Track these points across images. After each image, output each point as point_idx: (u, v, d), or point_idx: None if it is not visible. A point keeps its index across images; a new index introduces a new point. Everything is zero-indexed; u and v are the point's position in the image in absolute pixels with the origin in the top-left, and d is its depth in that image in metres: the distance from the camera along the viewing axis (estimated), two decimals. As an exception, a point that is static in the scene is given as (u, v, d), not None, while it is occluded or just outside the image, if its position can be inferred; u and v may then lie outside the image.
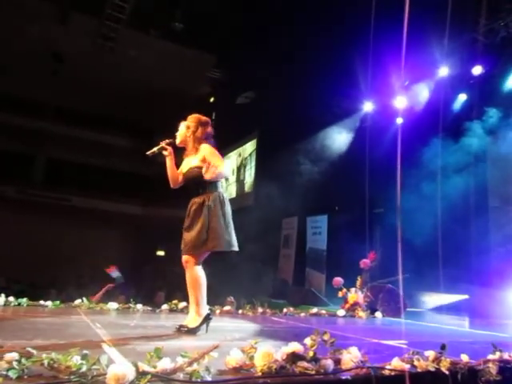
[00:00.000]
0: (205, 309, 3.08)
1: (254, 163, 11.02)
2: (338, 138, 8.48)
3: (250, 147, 11.36)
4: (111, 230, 11.72)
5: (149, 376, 1.74)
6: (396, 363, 2.12)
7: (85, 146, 11.38)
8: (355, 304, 5.26)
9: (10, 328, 2.75)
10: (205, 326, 3.05)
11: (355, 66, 6.57)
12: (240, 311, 4.78)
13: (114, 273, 5.69)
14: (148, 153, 3.26)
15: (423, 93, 7.46)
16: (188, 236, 3.07)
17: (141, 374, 1.73)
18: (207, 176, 3.00)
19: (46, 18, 8.15)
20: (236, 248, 3.14)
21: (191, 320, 3.05)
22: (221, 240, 3.03)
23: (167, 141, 3.26)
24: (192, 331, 2.97)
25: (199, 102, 10.70)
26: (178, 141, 3.27)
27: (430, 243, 5.42)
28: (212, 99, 11.35)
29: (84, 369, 1.72)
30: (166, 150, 3.23)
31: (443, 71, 7.17)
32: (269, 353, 2.03)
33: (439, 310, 6.33)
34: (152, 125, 11.66)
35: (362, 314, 5.09)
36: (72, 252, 10.38)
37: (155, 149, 3.23)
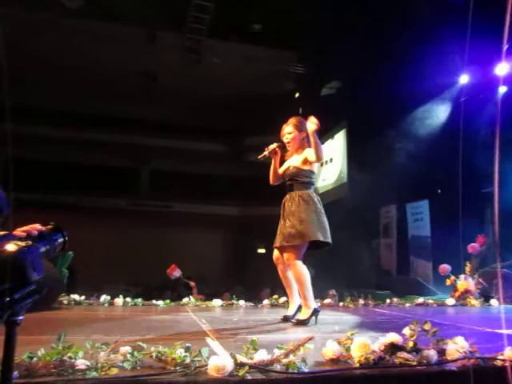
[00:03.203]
0: (313, 301, 3.20)
1: (345, 154, 10.78)
2: (434, 117, 7.96)
3: (339, 138, 11.14)
4: (213, 232, 12.32)
5: (247, 367, 1.82)
6: (509, 353, 1.94)
7: (183, 155, 12.10)
8: (466, 292, 4.89)
9: (127, 325, 3.05)
10: (314, 318, 3.16)
11: (446, 36, 6.10)
12: (341, 304, 4.74)
13: (177, 272, 5.99)
14: (259, 156, 3.46)
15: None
16: (285, 229, 3.21)
17: (239, 366, 1.82)
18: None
19: (136, 39, 8.80)
20: (329, 240, 3.25)
21: (301, 312, 3.18)
22: (316, 231, 3.16)
23: (277, 144, 3.44)
24: (302, 323, 3.12)
25: (285, 99, 10.75)
26: (289, 144, 3.43)
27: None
28: (297, 94, 11.32)
29: (187, 360, 1.85)
30: (276, 153, 3.44)
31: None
32: (365, 343, 1.99)
33: None
34: (242, 128, 12.02)
35: (474, 302, 4.73)
36: (180, 255, 11.10)
37: (266, 152, 3.42)
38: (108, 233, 10.55)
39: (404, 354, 1.97)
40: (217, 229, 12.46)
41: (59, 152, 11.01)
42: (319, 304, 4.49)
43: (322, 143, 12.28)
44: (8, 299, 1.03)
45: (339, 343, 2.06)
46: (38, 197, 9.73)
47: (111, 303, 4.07)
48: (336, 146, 11.22)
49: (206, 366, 1.80)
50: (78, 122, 10.68)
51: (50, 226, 1.15)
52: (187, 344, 1.93)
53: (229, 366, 1.79)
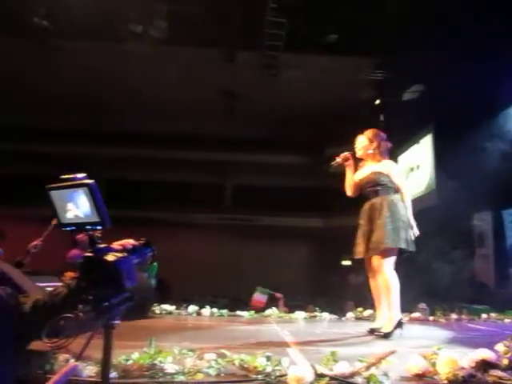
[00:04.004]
0: (398, 313, 3.09)
1: (433, 158, 10.25)
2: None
3: (426, 142, 10.64)
4: (296, 244, 12.35)
5: (327, 378, 1.83)
6: None
7: (264, 169, 12.34)
8: None
9: (212, 334, 3.19)
10: (398, 331, 3.04)
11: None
12: (431, 318, 4.50)
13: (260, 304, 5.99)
14: (332, 163, 3.48)
15: None
16: (371, 237, 3.15)
17: (319, 376, 1.83)
18: (406, 201, 3.24)
19: (215, 60, 9.24)
20: (413, 248, 3.16)
21: (385, 325, 3.08)
22: (399, 239, 3.08)
23: (348, 153, 3.44)
24: (386, 335, 3.02)
25: (364, 107, 10.54)
26: (359, 153, 3.44)
27: None
28: (377, 101, 11.04)
29: (268, 369, 1.91)
30: (348, 160, 3.41)
31: None
32: (453, 359, 1.90)
33: None
34: (321, 139, 11.98)
35: None
36: (264, 267, 11.26)
37: (339, 159, 3.43)
38: (195, 246, 11.06)
39: (498, 372, 1.85)
40: (300, 241, 12.47)
41: (149, 171, 11.81)
42: (406, 317, 4.32)
43: (406, 149, 11.72)
44: (107, 304, 1.16)
45: (425, 358, 1.98)
46: (130, 213, 10.49)
47: (199, 313, 4.27)
48: (422, 151, 10.73)
49: (286, 375, 1.85)
50: (165, 142, 11.40)
51: (141, 241, 1.28)
52: (268, 353, 1.98)
53: (308, 376, 1.81)
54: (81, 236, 4.30)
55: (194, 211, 12.05)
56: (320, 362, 1.96)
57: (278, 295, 6.41)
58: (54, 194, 1.17)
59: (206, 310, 4.29)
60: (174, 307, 4.26)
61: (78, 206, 1.14)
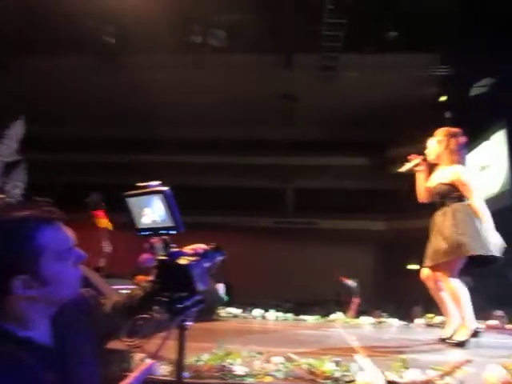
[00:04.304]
0: (472, 321, 2.93)
1: (507, 155, 9.61)
2: None
3: (497, 139, 9.99)
4: (360, 248, 12.07)
5: (398, 386, 1.78)
6: None
7: (324, 172, 12.22)
8: None
9: (278, 338, 3.20)
10: (473, 340, 2.90)
11: None
12: (509, 326, 4.21)
13: (350, 282, 5.75)
14: (402, 169, 3.34)
15: None
16: (437, 245, 3.02)
17: (389, 383, 1.79)
18: (478, 207, 3.02)
19: (275, 65, 9.31)
20: (495, 253, 2.93)
21: (458, 333, 2.95)
22: (474, 244, 2.89)
23: (420, 157, 3.30)
24: (460, 344, 2.88)
25: (428, 105, 10.13)
26: (430, 158, 3.28)
27: None
28: (442, 98, 10.55)
29: (337, 374, 1.89)
30: (419, 165, 3.29)
31: None
32: (537, 370, 1.78)
33: None
34: (383, 139, 11.67)
35: None
36: (327, 272, 11.14)
37: (410, 165, 3.29)
38: (258, 251, 11.16)
39: None
40: (364, 244, 12.18)
41: (212, 176, 12.11)
42: (482, 325, 4.08)
43: (475, 147, 11.11)
44: (180, 306, 1.22)
45: (505, 368, 1.87)
46: (194, 218, 10.82)
47: (264, 317, 4.30)
48: (494, 148, 10.08)
49: (355, 381, 1.82)
50: (227, 148, 11.65)
51: (212, 246, 1.32)
52: (336, 358, 1.97)
53: (378, 383, 1.77)
54: (152, 240, 4.51)
55: (255, 215, 12.19)
56: (390, 368, 1.91)
57: (356, 300, 6.18)
58: (131, 201, 1.24)
59: (271, 314, 4.32)
60: (239, 310, 4.33)
61: (153, 212, 1.20)
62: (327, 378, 1.88)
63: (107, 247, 3.53)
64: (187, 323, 1.26)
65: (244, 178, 12.33)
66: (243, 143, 11.56)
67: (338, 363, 1.97)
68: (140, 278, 4.40)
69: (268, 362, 1.98)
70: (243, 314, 4.33)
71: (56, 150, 10.91)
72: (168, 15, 7.32)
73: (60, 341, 1.18)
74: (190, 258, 1.23)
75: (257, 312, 4.32)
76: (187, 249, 1.31)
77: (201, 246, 1.33)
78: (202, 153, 11.49)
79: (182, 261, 1.21)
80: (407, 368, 1.86)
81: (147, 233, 1.25)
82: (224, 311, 4.27)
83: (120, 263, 3.97)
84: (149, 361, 1.11)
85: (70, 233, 1.15)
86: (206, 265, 1.29)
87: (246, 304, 5.18)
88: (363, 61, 9.52)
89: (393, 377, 1.82)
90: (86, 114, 10.00)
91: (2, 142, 2.34)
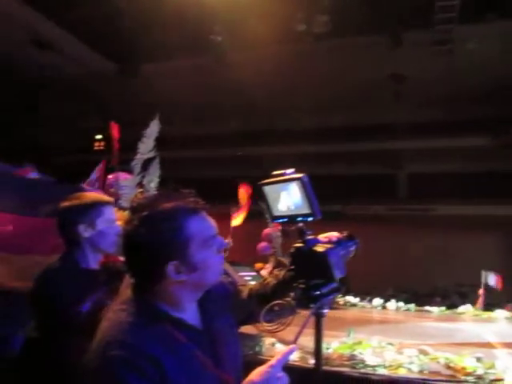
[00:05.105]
0: None
1: None
2: None
3: None
4: (484, 235, 11.02)
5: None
6: None
7: (439, 155, 11.38)
8: None
9: (402, 329, 3.07)
10: None
11: None
12: None
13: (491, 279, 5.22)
14: None
15: None
16: None
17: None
18: None
19: (383, 46, 8.86)
20: None
21: None
22: None
23: None
24: None
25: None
26: None
27: None
28: None
29: (480, 372, 1.75)
30: None
31: None
32: None
33: None
34: (505, 117, 10.48)
35: None
36: (444, 261, 10.42)
37: None
38: (371, 239, 10.70)
39: None
40: (490, 231, 11.08)
41: (326, 165, 11.93)
42: None
43: None
44: (317, 293, 1.22)
45: None
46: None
47: (384, 307, 4.15)
48: None
49: (503, 380, 1.66)
50: (335, 136, 11.42)
51: (345, 234, 1.30)
52: (478, 354, 1.82)
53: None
54: (269, 230, 4.64)
55: (366, 203, 11.85)
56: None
57: (481, 291, 5.64)
58: (267, 189, 1.27)
59: (392, 304, 4.15)
60: (357, 299, 4.23)
61: (289, 199, 1.22)
62: (468, 374, 1.75)
63: (230, 242, 3.71)
64: (324, 311, 1.26)
65: (357, 165, 12.04)
66: (352, 129, 11.24)
67: (479, 359, 1.82)
68: (258, 265, 4.55)
69: (400, 353, 1.91)
70: (361, 304, 4.23)
71: (180, 148, 11.56)
72: (269, 6, 7.37)
73: (206, 323, 1.26)
74: (327, 246, 1.22)
75: (377, 302, 4.18)
76: (321, 237, 1.30)
77: (334, 234, 1.32)
78: (313, 142, 11.39)
79: (319, 248, 1.21)
80: None
81: (283, 220, 1.27)
82: (342, 300, 4.21)
83: (239, 252, 4.14)
84: (292, 345, 1.13)
85: (212, 222, 1.22)
86: (341, 253, 1.27)
87: (361, 293, 5.04)
88: (482, 31, 8.63)
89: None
90: (214, 112, 10.43)
91: (142, 140, 2.60)
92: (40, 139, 11.96)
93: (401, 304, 4.15)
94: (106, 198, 1.99)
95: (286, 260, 4.85)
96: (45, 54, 7.94)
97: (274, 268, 4.44)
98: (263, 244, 4.76)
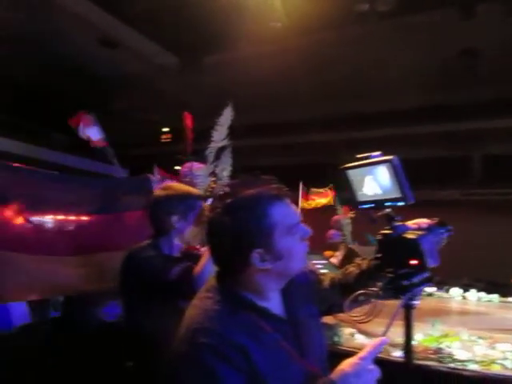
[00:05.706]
0: None
1: None
2: None
3: None
4: None
5: None
6: None
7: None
8: None
9: (487, 321, 2.89)
10: None
11: None
12: None
13: None
14: None
15: None
16: None
17: None
18: None
19: (451, 20, 8.30)
20: None
21: None
22: None
23: None
24: None
25: None
26: None
27: None
28: None
29: None
30: None
31: None
32: None
33: None
34: None
35: None
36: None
37: None
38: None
39: None
40: None
41: (388, 147, 11.49)
42: None
43: None
44: (407, 283, 1.14)
45: None
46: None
47: (464, 297, 3.94)
48: None
49: None
50: (407, 118, 10.88)
51: (435, 220, 1.21)
52: None
53: None
54: (338, 217, 4.55)
55: (438, 188, 11.29)
56: None
57: None
58: (351, 173, 1.20)
59: (472, 294, 3.92)
60: (434, 289, 4.04)
61: (377, 184, 1.15)
62: None
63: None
64: (414, 302, 1.19)
65: (425, 149, 11.45)
66: (419, 110, 10.67)
67: None
68: (328, 253, 4.48)
69: (493, 348, 1.77)
70: (438, 293, 4.03)
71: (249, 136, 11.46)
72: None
73: (290, 313, 1.24)
74: (418, 232, 1.14)
75: (455, 291, 3.97)
76: (410, 223, 1.22)
77: (424, 221, 1.24)
78: (375, 127, 10.98)
79: (411, 235, 1.13)
80: None
81: (369, 205, 1.20)
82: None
83: (309, 239, 4.10)
84: (383, 337, 1.07)
85: (295, 209, 1.18)
86: (434, 240, 1.19)
87: (435, 282, 4.82)
88: None
89: None
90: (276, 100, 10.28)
91: (216, 128, 2.63)
92: (112, 135, 12.53)
93: (482, 294, 3.90)
94: (197, 191, 2.06)
95: (356, 247, 4.74)
96: (111, 52, 8.30)
97: (344, 256, 4.34)
98: (332, 231, 4.67)
